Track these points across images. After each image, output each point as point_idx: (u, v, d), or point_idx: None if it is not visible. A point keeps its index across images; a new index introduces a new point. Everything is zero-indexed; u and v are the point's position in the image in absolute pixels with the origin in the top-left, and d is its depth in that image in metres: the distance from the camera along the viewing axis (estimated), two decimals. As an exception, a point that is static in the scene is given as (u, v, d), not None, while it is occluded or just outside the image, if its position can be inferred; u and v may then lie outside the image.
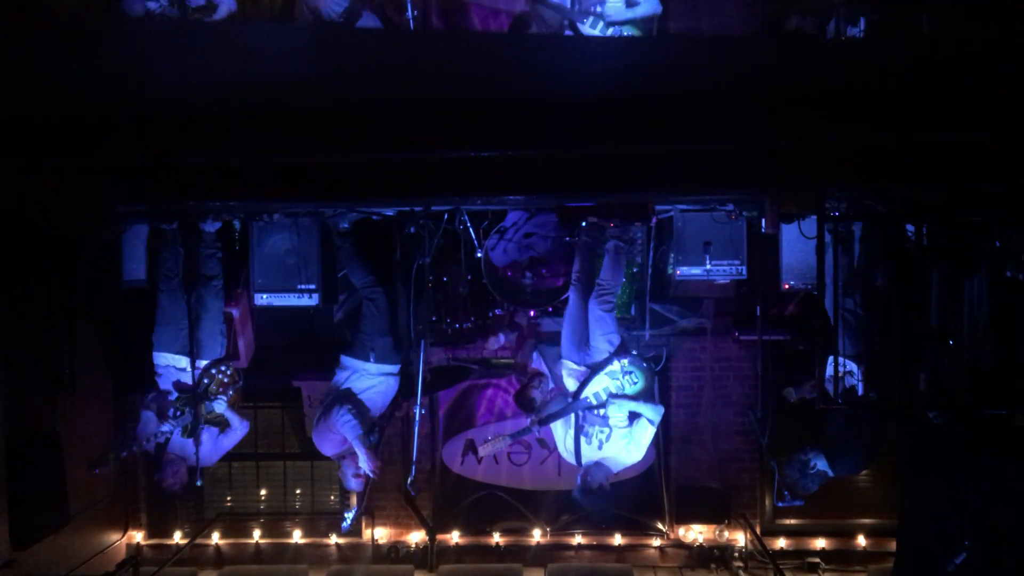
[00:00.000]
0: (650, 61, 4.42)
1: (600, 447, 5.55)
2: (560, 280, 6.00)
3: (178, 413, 5.72)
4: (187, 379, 5.84)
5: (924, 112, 4.26)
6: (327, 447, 5.92)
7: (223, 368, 5.91)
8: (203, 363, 5.88)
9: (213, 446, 5.94)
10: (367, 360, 5.93)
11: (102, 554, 7.11)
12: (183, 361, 5.85)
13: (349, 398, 5.83)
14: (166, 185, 4.85)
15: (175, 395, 5.83)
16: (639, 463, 6.17)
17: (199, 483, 5.76)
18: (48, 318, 6.13)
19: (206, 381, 5.85)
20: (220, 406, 5.88)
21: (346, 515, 6.03)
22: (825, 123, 4.37)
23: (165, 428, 5.73)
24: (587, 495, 5.50)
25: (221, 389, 5.88)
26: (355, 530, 7.47)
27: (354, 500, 6.97)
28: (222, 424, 5.95)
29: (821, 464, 5.48)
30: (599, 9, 5.64)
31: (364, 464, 5.71)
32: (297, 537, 7.49)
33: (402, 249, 5.89)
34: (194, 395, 5.77)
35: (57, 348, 6.20)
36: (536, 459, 7.36)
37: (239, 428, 6.04)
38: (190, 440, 5.80)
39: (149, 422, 5.82)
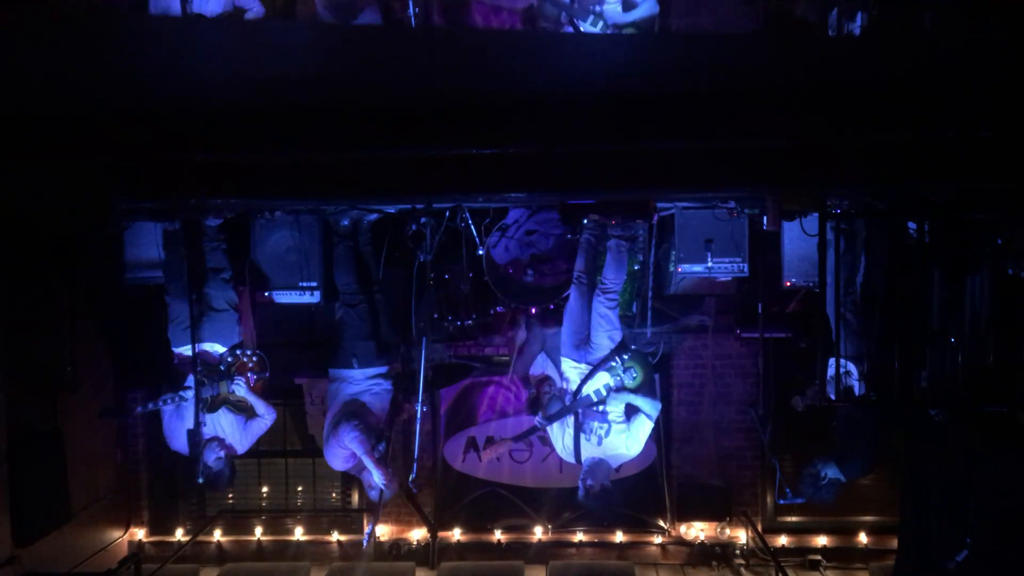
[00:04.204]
0: (651, 58, 4.41)
1: (599, 443, 5.58)
2: (562, 277, 6.00)
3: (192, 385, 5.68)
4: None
5: (926, 110, 4.25)
6: (338, 463, 5.94)
7: (248, 352, 5.88)
8: (219, 350, 5.86)
9: (242, 433, 5.92)
10: (350, 367, 5.94)
11: (104, 551, 7.12)
12: (209, 346, 5.84)
13: (355, 413, 5.83)
14: (167, 182, 4.85)
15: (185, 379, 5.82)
16: (640, 459, 6.20)
17: (200, 480, 5.73)
18: (49, 316, 6.14)
19: (230, 359, 5.83)
20: (240, 389, 5.83)
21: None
22: (827, 121, 4.36)
23: (183, 393, 5.71)
24: (591, 498, 5.51)
25: (239, 369, 5.83)
26: (357, 528, 7.49)
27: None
28: (248, 411, 5.92)
29: (832, 472, 5.52)
30: (598, 8, 5.66)
31: (377, 479, 5.71)
32: (299, 534, 7.50)
33: (399, 247, 5.88)
34: (217, 371, 5.76)
35: (58, 346, 6.21)
36: (538, 457, 7.36)
37: (267, 415, 5.97)
38: (223, 426, 5.80)
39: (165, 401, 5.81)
